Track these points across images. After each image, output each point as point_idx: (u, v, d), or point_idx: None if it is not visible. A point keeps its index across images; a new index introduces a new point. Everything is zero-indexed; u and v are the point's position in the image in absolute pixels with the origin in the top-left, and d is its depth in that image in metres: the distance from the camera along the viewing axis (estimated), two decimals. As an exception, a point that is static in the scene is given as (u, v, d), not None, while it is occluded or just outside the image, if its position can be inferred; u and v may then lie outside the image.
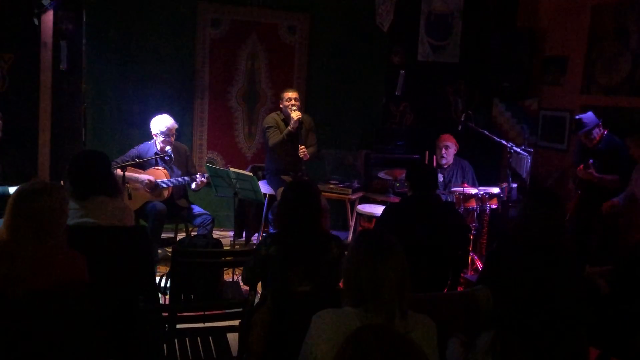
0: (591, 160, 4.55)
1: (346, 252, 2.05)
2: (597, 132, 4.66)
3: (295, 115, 5.05)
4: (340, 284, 2.92)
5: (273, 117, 5.31)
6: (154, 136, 4.85)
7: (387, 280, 1.87)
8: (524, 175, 5.41)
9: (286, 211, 2.83)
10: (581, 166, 4.58)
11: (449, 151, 5.52)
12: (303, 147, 5.15)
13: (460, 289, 3.75)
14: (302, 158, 5.15)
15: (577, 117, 4.80)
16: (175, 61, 5.85)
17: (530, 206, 2.68)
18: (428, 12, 6.46)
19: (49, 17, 4.96)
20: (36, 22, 4.96)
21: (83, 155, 3.37)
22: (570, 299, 2.29)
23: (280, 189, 5.12)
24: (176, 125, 4.90)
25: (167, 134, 4.80)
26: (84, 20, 5.22)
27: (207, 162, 5.96)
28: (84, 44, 5.27)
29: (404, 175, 5.20)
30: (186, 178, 4.83)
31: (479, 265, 4.94)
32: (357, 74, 6.39)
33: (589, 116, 4.69)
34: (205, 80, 6.01)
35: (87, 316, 2.25)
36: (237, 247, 5.23)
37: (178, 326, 3.00)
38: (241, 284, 4.25)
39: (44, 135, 5.13)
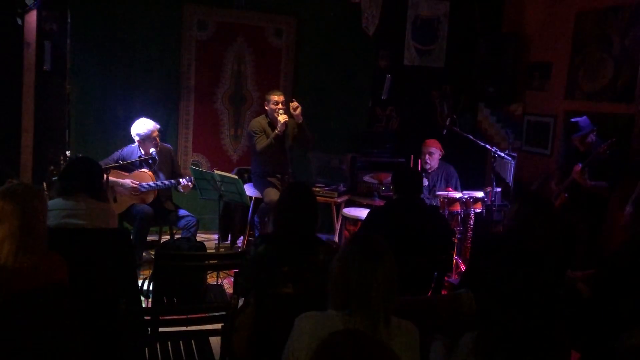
0: (580, 164, 4.56)
1: (337, 254, 2.04)
2: (591, 138, 4.68)
3: (282, 118, 5.03)
4: None
5: (259, 122, 5.27)
6: (136, 142, 4.82)
7: (376, 285, 1.87)
8: (508, 180, 5.45)
9: (282, 213, 2.80)
10: (579, 167, 4.53)
11: (432, 157, 5.56)
12: (295, 103, 5.09)
13: (444, 292, 3.76)
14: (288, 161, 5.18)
15: (573, 120, 4.77)
16: (161, 63, 5.82)
17: (526, 212, 2.69)
18: (414, 17, 6.49)
19: (32, 17, 4.91)
20: (19, 21, 4.90)
21: (81, 158, 3.52)
22: (552, 303, 2.31)
23: (267, 190, 5.11)
24: (158, 127, 4.85)
25: (149, 136, 4.76)
26: (69, 20, 5.17)
27: (192, 164, 5.93)
28: (68, 45, 5.21)
29: (389, 178, 5.22)
30: (171, 181, 4.80)
31: (463, 268, 4.97)
32: (344, 77, 6.40)
33: (585, 120, 4.70)
34: (191, 82, 5.99)
35: (68, 320, 2.22)
36: (221, 250, 5.20)
37: (160, 329, 2.99)
38: (225, 287, 4.24)
39: (26, 137, 5.07)
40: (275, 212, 2.88)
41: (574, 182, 4.64)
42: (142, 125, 4.77)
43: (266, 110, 5.27)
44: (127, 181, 4.70)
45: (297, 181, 4.78)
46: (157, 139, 4.82)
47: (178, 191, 4.89)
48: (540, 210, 2.68)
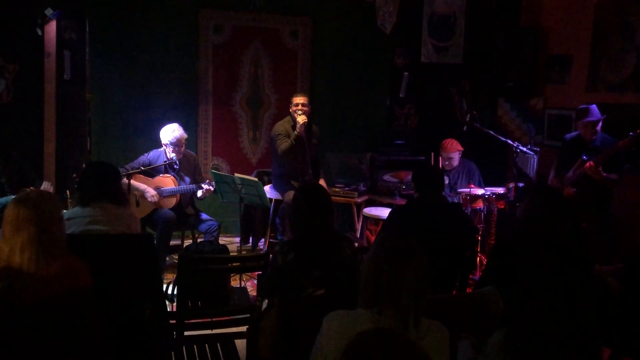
0: (584, 157, 4.46)
1: (366, 253, 2.03)
2: (599, 126, 4.58)
3: (301, 119, 5.05)
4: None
5: (283, 125, 5.30)
6: (163, 146, 4.84)
7: (406, 285, 1.86)
8: (531, 175, 5.37)
9: (299, 216, 2.79)
10: (592, 162, 4.41)
11: (452, 162, 5.50)
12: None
13: (468, 290, 3.72)
14: (308, 163, 5.19)
15: (583, 106, 4.66)
16: (179, 68, 5.86)
17: (536, 205, 2.66)
18: (431, 13, 6.44)
19: (52, 27, 4.99)
20: (39, 32, 4.98)
21: (95, 164, 3.53)
22: (582, 298, 2.27)
23: (288, 192, 5.11)
24: (185, 135, 4.85)
25: (176, 144, 4.78)
26: (87, 29, 5.24)
27: (212, 168, 5.95)
28: (87, 53, 5.28)
29: (409, 177, 5.18)
30: (193, 186, 4.82)
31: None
32: (361, 76, 6.38)
33: (595, 108, 4.62)
34: (209, 87, 6.02)
35: (94, 325, 2.24)
36: (243, 252, 5.21)
37: (186, 333, 3.00)
38: (248, 289, 4.25)
39: (49, 145, 5.14)
40: (292, 216, 2.86)
41: (585, 176, 4.49)
42: (171, 132, 4.77)
43: (290, 112, 5.31)
44: (149, 193, 4.70)
45: (306, 182, 4.78)
46: (183, 147, 4.84)
47: (197, 198, 4.91)
48: (548, 201, 2.65)
